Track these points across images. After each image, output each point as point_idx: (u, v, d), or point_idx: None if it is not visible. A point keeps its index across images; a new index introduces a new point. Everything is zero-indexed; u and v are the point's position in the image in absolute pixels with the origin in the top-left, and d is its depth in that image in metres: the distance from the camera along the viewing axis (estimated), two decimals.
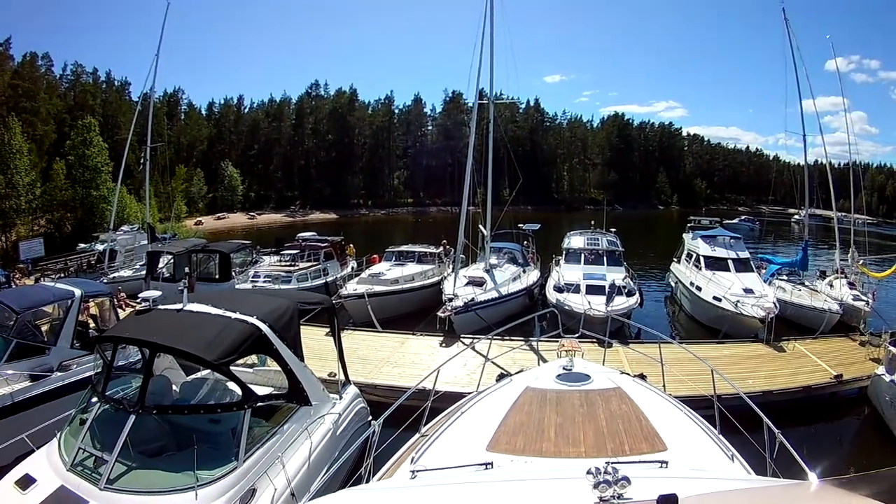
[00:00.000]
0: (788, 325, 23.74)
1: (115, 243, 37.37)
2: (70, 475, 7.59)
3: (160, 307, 10.02)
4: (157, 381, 9.24)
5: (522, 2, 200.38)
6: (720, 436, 7.06)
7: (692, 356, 11.30)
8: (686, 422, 7.30)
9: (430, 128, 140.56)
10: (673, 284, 33.22)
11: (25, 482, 7.62)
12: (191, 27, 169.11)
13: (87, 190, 58.35)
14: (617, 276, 25.95)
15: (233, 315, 9.32)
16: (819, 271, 31.90)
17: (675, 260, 34.02)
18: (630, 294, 24.25)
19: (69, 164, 59.81)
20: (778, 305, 22.65)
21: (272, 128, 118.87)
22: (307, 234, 37.33)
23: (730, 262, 27.57)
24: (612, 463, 4.00)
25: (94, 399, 8.59)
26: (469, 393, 9.14)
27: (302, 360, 10.23)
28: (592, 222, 35.10)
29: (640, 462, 5.54)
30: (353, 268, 33.02)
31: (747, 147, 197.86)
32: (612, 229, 34.24)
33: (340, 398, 11.26)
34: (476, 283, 24.50)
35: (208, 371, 9.88)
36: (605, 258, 28.63)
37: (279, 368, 9.73)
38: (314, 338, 16.19)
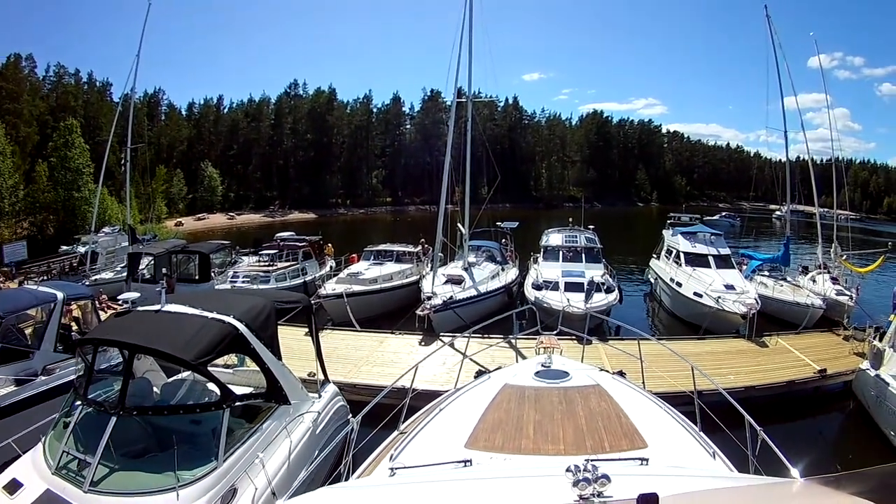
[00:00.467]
0: (770, 320, 23.95)
1: (96, 245, 36.96)
2: (55, 479, 7.59)
3: (139, 308, 10.02)
4: (137, 382, 9.25)
5: (501, 0, 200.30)
6: (701, 433, 7.07)
7: (673, 353, 11.32)
8: (666, 419, 7.31)
9: (408, 127, 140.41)
10: (652, 281, 33.26)
11: (12, 487, 7.62)
12: (171, 27, 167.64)
13: (69, 192, 58.35)
14: (595, 272, 26.03)
15: (210, 315, 9.29)
16: (801, 267, 32.11)
17: (655, 256, 34.11)
18: (609, 291, 24.36)
19: (51, 166, 59.75)
20: (759, 301, 22.77)
21: (251, 128, 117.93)
22: (285, 234, 37.31)
23: (710, 258, 27.65)
24: (592, 460, 4.00)
25: (77, 402, 8.55)
26: (447, 391, 9.12)
27: (280, 359, 10.21)
28: (571, 220, 35.28)
29: (620, 459, 5.53)
30: (331, 267, 32.93)
31: (728, 144, 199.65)
32: (591, 226, 34.43)
33: (319, 397, 11.25)
34: (455, 281, 24.55)
35: (188, 372, 9.89)
36: (583, 255, 28.69)
37: (258, 368, 9.72)
38: (293, 338, 16.15)
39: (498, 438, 6.51)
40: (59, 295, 14.19)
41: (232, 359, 11.35)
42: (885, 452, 13.73)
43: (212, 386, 8.94)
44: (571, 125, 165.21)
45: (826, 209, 39.45)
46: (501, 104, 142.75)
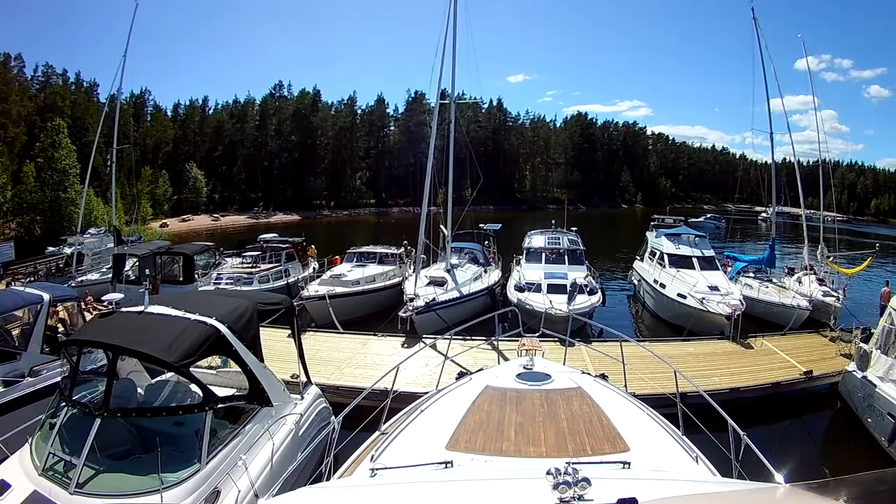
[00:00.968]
0: (756, 322, 24.00)
1: (82, 246, 36.94)
2: (42, 480, 7.60)
3: (123, 310, 10.07)
4: (121, 383, 9.23)
5: (486, 2, 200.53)
6: (683, 437, 7.09)
7: (657, 355, 11.28)
8: (648, 422, 7.30)
9: (392, 128, 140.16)
10: (636, 282, 33.36)
11: (0, 488, 7.62)
12: (158, 28, 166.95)
13: (56, 192, 58.27)
14: (578, 274, 26.07)
15: (192, 316, 9.31)
16: (787, 268, 32.22)
17: (638, 258, 34.33)
18: (592, 292, 24.33)
19: (38, 167, 59.50)
20: (744, 302, 22.82)
21: (236, 129, 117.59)
22: (269, 236, 37.13)
23: (694, 259, 27.79)
24: (573, 463, 4.00)
25: (62, 403, 8.56)
26: (429, 392, 9.12)
27: (262, 360, 10.23)
28: (554, 221, 35.24)
29: (601, 463, 5.51)
30: (314, 269, 33.01)
31: (713, 146, 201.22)
32: (574, 228, 34.40)
33: (302, 398, 11.28)
34: (437, 283, 24.56)
35: (172, 373, 9.86)
36: (566, 257, 28.75)
37: (240, 370, 9.74)
38: (276, 339, 16.21)
39: (479, 440, 6.50)
40: (46, 296, 14.25)
41: (215, 360, 11.36)
42: (873, 454, 13.81)
43: (195, 388, 8.95)
44: (556, 127, 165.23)
45: (812, 211, 39.62)
46: (485, 106, 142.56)
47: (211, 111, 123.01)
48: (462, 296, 24.44)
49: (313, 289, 24.67)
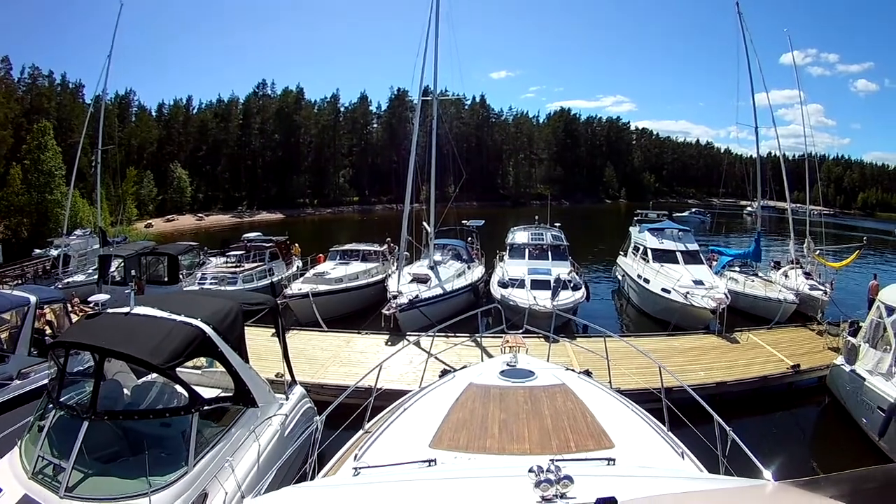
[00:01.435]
0: (742, 316, 23.97)
1: (68, 248, 36.91)
2: (32, 483, 7.60)
3: (109, 311, 10.00)
4: (108, 384, 9.20)
5: None
6: (669, 432, 7.08)
7: (641, 350, 11.24)
8: (633, 418, 7.29)
9: (375, 125, 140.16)
10: (620, 278, 33.37)
11: None
12: (143, 27, 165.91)
13: (42, 194, 58.08)
14: (562, 270, 26.09)
15: (178, 318, 9.28)
16: (773, 262, 32.33)
17: (622, 253, 34.24)
18: (576, 288, 24.47)
19: (25, 169, 59.23)
20: (729, 296, 22.79)
21: (220, 128, 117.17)
22: (252, 235, 37.30)
23: (678, 254, 27.81)
24: (557, 461, 3.97)
25: (50, 405, 8.55)
26: (413, 390, 9.12)
27: (247, 361, 10.22)
28: (537, 217, 35.38)
29: (586, 459, 5.48)
30: (298, 267, 32.86)
31: (697, 140, 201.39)
32: (557, 224, 34.38)
33: (287, 399, 11.28)
34: (420, 280, 24.62)
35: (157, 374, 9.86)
36: (549, 253, 28.81)
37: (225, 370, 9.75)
38: (260, 339, 16.10)
39: (462, 438, 6.48)
40: (32, 299, 14.25)
41: (200, 360, 11.30)
42: (862, 447, 13.87)
43: (181, 389, 8.90)
44: (539, 123, 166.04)
45: (798, 205, 39.84)
46: (468, 102, 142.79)
47: (195, 111, 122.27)
48: (445, 293, 24.45)
49: (297, 287, 24.61)
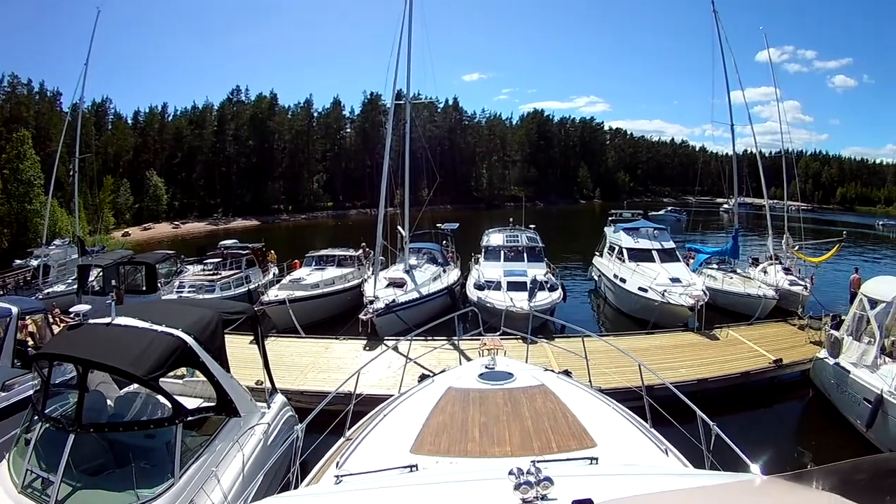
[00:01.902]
0: (721, 313, 24.21)
1: (48, 258, 36.74)
2: (22, 498, 7.64)
3: (90, 321, 9.97)
4: (92, 395, 9.15)
5: (441, 1, 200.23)
6: (652, 430, 7.03)
7: (620, 349, 11.30)
8: (615, 416, 7.24)
9: (348, 130, 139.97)
10: (596, 278, 33.50)
11: None
12: (119, 34, 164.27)
13: (21, 204, 57.53)
14: (538, 271, 26.23)
15: (159, 328, 9.31)
16: (751, 259, 32.69)
17: (597, 254, 34.39)
18: (552, 289, 24.61)
19: (4, 179, 58.50)
20: (708, 293, 23.01)
21: (195, 135, 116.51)
22: (229, 242, 37.03)
23: (654, 252, 27.96)
24: (538, 462, 3.95)
25: (36, 418, 8.58)
26: (392, 395, 9.12)
27: (228, 370, 10.27)
28: (512, 219, 35.44)
29: (568, 460, 5.46)
30: (274, 274, 32.90)
31: (672, 139, 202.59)
32: (532, 225, 34.62)
33: (269, 407, 11.33)
34: (396, 284, 24.60)
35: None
36: (525, 254, 28.97)
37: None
38: (239, 346, 16.01)
39: (443, 442, 6.43)
40: (14, 310, 14.09)
41: (182, 369, 11.32)
42: (848, 439, 14.14)
43: (164, 400, 8.94)
44: (512, 125, 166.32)
45: (776, 201, 40.14)
46: (441, 105, 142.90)
47: (170, 118, 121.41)
48: (422, 296, 24.55)
49: (273, 294, 24.59)
